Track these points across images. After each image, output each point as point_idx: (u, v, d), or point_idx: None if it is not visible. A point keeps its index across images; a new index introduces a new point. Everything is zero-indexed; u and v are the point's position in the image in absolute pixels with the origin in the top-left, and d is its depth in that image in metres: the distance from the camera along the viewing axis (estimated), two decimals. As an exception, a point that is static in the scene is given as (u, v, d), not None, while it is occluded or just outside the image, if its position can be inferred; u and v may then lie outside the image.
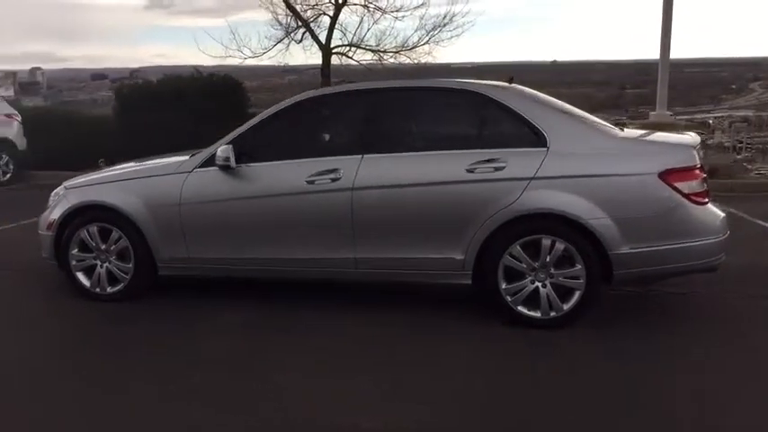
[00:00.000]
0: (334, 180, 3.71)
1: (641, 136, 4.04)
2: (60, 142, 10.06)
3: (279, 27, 12.41)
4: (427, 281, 3.74)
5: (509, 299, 3.58)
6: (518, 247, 3.51)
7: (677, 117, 12.11)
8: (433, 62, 13.02)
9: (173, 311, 4.02)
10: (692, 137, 3.93)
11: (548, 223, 3.49)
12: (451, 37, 12.76)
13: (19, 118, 10.32)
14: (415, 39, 12.63)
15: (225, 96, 9.94)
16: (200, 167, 3.97)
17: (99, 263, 4.14)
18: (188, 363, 3.27)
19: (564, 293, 3.52)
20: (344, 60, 12.33)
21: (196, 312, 3.98)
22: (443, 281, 3.71)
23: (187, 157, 4.14)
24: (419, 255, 3.67)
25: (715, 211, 3.61)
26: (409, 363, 3.21)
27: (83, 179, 4.41)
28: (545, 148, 3.55)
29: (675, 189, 3.42)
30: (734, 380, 2.97)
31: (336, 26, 11.95)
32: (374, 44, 12.41)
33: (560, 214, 3.44)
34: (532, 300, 3.55)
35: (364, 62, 12.36)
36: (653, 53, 9.52)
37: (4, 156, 9.90)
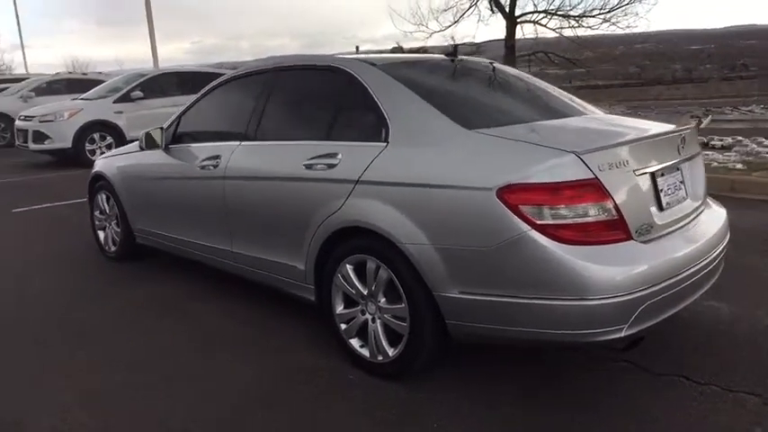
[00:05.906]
0: (215, 167, 3.53)
1: (515, 132, 2.55)
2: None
3: None
4: (282, 288, 3.26)
5: (343, 327, 2.91)
6: (347, 267, 2.81)
7: None
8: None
9: (127, 276, 4.38)
10: (594, 135, 2.48)
11: (372, 242, 2.68)
12: None
13: None
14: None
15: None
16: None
17: (107, 225, 4.80)
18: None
19: (396, 336, 2.70)
20: (539, 30, 10.76)
21: (142, 277, 4.29)
22: (293, 291, 3.18)
23: None
24: (271, 257, 3.24)
25: (620, 257, 2.25)
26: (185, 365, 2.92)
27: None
28: (384, 144, 2.72)
29: (520, 215, 2.25)
30: None
31: None
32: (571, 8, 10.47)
33: (372, 230, 2.62)
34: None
35: (560, 30, 10.59)
36: None
37: None
